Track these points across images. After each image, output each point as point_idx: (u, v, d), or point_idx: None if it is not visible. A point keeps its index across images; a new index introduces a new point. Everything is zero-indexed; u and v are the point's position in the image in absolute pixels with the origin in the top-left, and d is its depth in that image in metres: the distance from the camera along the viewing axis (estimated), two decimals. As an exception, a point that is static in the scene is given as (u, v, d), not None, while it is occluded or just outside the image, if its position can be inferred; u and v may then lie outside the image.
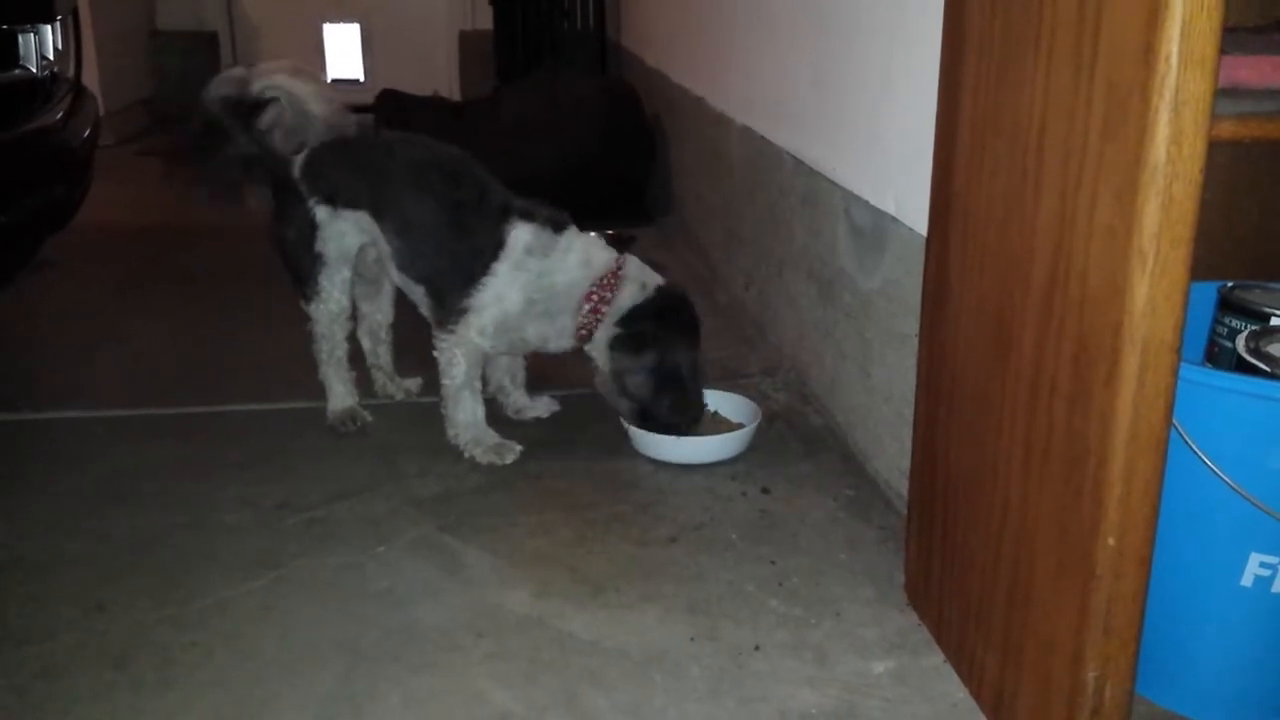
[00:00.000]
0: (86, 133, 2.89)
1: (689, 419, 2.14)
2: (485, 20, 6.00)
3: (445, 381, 2.14)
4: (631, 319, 2.09)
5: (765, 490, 2.04)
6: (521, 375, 2.38)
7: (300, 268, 2.23)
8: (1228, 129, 1.07)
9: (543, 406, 2.39)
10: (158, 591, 1.70)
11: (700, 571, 1.77)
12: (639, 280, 2.12)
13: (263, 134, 2.20)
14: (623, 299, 2.10)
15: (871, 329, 2.06)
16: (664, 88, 4.04)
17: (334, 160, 2.19)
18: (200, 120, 2.21)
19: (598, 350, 2.13)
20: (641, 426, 2.14)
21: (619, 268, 2.11)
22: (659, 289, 2.13)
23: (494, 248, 2.06)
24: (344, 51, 6.63)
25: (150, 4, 6.33)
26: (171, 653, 1.55)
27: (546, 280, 2.08)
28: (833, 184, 2.26)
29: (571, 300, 2.09)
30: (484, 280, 2.06)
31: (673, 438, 2.13)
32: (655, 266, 2.19)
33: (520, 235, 2.07)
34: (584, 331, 2.11)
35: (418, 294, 2.21)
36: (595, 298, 2.08)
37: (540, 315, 2.11)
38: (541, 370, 2.44)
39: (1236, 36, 1.30)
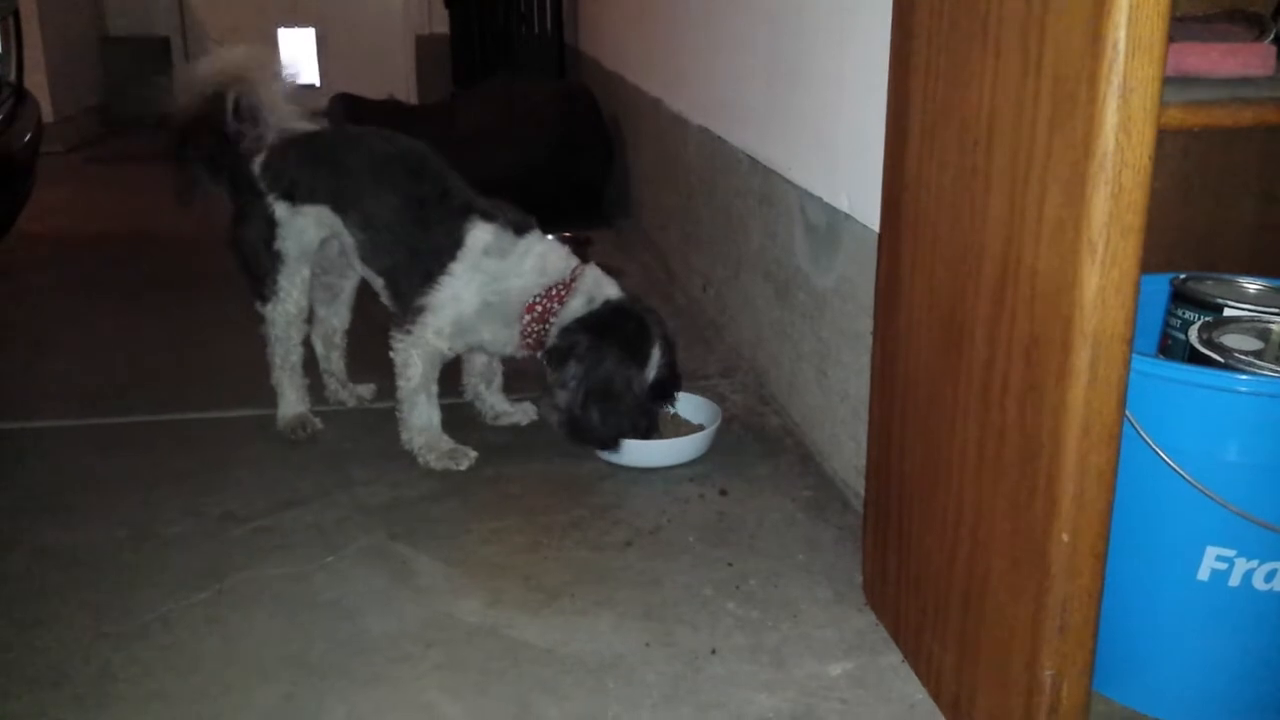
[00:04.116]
0: (28, 137, 2.83)
1: (615, 437, 2.05)
2: (442, 25, 5.97)
3: (401, 383, 2.10)
4: (567, 332, 2.04)
5: (723, 492, 2.02)
6: (498, 380, 2.33)
7: (258, 267, 2.17)
8: (1176, 116, 1.06)
9: (521, 413, 2.33)
10: (98, 606, 1.65)
11: (657, 576, 1.74)
12: (588, 293, 2.06)
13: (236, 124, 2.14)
14: (568, 311, 2.04)
15: (827, 328, 2.04)
16: (621, 90, 4.02)
17: (294, 156, 2.15)
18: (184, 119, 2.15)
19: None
20: (571, 440, 2.08)
21: (573, 279, 2.06)
22: (607, 302, 2.06)
23: (452, 247, 2.03)
24: (299, 56, 6.56)
25: (101, 9, 6.24)
26: (111, 669, 1.51)
27: (502, 284, 2.04)
28: (788, 183, 2.24)
29: (521, 307, 2.06)
30: (441, 279, 2.03)
31: (634, 441, 2.09)
32: (611, 272, 2.14)
33: (479, 236, 2.03)
34: (530, 340, 2.07)
35: (379, 285, 2.18)
36: (539, 308, 2.04)
37: (495, 319, 2.07)
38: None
39: (1185, 25, 1.29)
